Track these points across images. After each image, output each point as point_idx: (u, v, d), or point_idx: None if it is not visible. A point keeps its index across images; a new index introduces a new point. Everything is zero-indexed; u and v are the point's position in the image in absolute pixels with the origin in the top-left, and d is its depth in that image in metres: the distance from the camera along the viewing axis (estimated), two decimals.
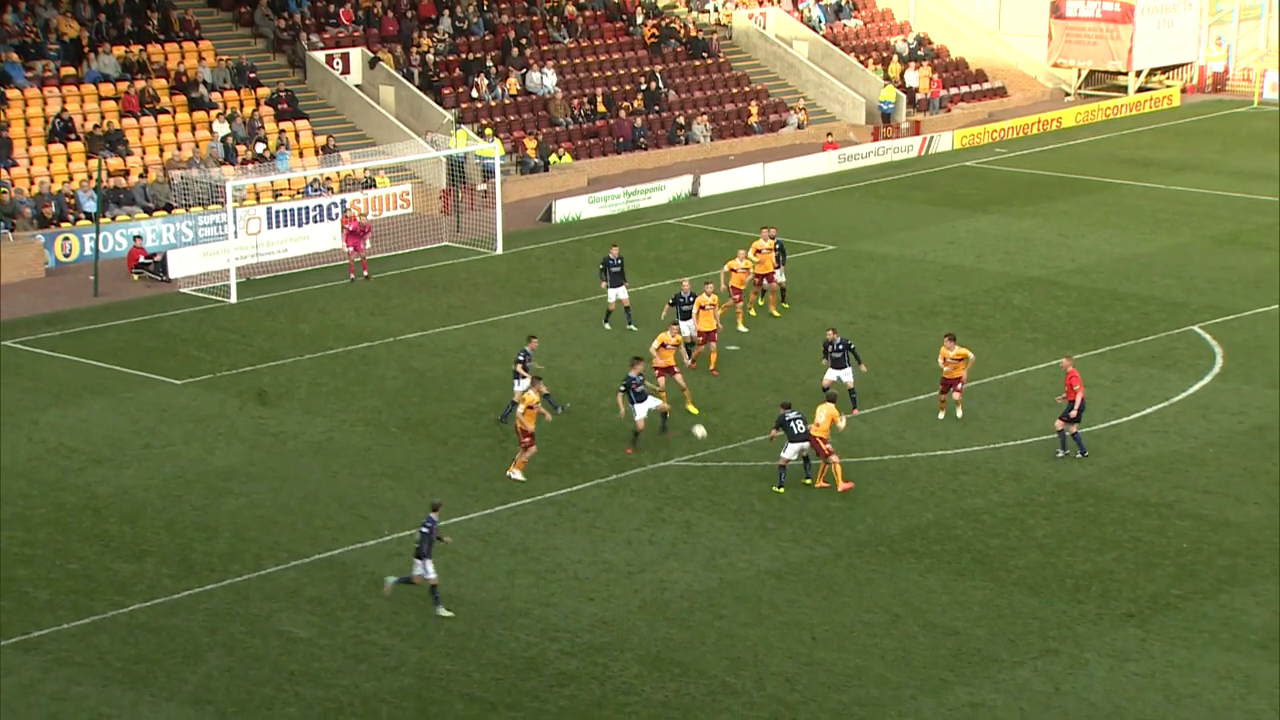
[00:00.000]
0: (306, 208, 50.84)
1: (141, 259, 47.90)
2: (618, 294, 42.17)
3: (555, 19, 65.39)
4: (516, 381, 35.40)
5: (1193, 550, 30.05)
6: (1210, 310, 43.60)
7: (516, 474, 32.93)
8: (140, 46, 56.24)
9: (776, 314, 43.23)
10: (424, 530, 27.62)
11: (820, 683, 25.63)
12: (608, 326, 42.18)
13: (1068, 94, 73.40)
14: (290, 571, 29.27)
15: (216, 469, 33.90)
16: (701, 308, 38.85)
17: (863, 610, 27.96)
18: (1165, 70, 74.59)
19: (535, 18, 65.20)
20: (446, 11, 63.35)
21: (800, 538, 30.54)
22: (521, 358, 35.72)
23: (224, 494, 32.63)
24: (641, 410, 34.37)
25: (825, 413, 32.46)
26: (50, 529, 31.09)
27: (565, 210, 54.26)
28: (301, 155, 54.45)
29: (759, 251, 42.57)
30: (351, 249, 47.05)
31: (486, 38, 63.31)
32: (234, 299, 45.34)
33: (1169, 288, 46.00)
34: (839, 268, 48.05)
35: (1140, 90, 72.52)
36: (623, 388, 34.56)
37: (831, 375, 36.31)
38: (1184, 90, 73.19)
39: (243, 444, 35.24)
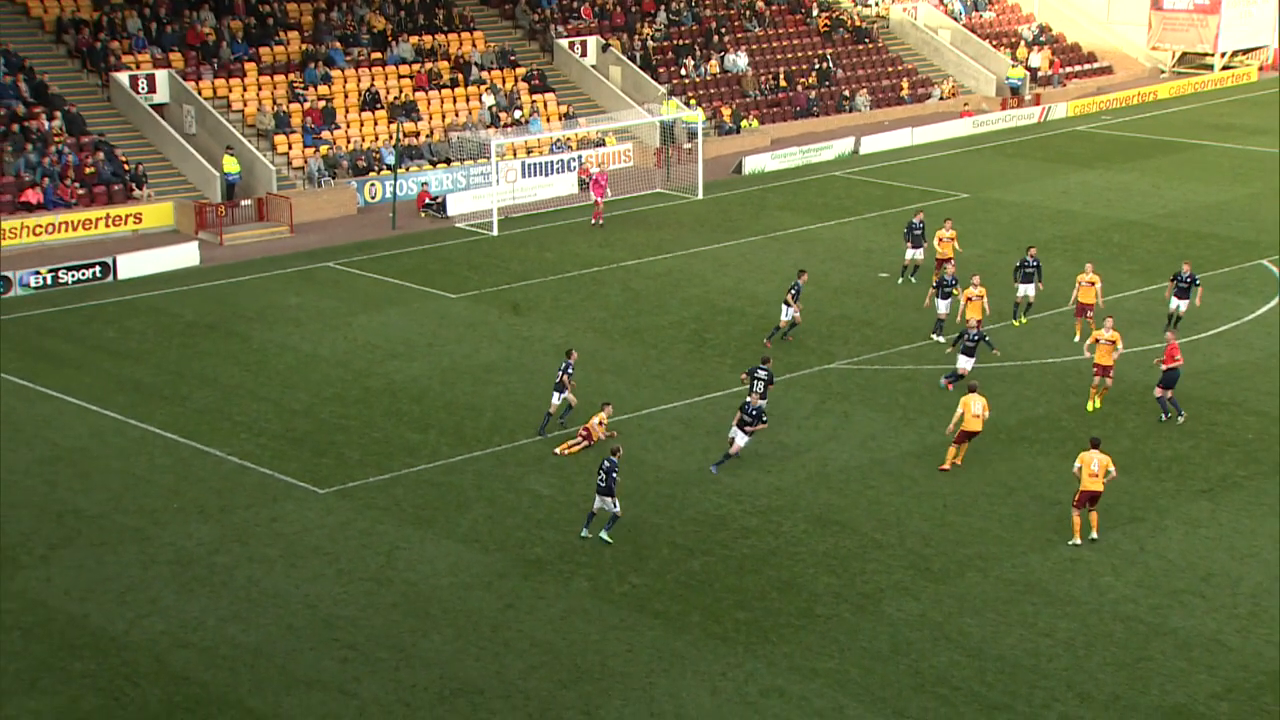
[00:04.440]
0: (552, 161, 51.16)
1: (427, 200, 48.43)
2: (915, 254, 38.54)
3: (748, 12, 64.49)
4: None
5: (1256, 440, 29.00)
6: (1276, 247, 41.69)
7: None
8: (430, 36, 56.76)
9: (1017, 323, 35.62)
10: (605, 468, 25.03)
11: (949, 540, 25.29)
12: (900, 281, 38.86)
13: (1163, 72, 70.44)
14: (537, 443, 29.55)
15: (481, 363, 34.35)
16: (969, 299, 33.24)
17: (985, 484, 27.48)
18: (1245, 52, 71.22)
19: (732, 11, 64.38)
20: (663, 7, 62.91)
21: (936, 426, 30.01)
22: (937, 284, 33.59)
23: (487, 383, 33.07)
24: (788, 313, 34.31)
25: (963, 404, 27.56)
26: (359, 406, 31.82)
27: (752, 165, 53.64)
28: (549, 120, 54.58)
29: (941, 240, 37.69)
30: (598, 197, 46.91)
31: (694, 28, 62.66)
32: (495, 232, 45.65)
33: (1242, 229, 44.09)
34: (972, 211, 46.83)
35: (1224, 68, 69.36)
36: (792, 290, 34.33)
37: (964, 363, 31.48)
38: (1260, 68, 69.85)
39: (501, 344, 35.66)
